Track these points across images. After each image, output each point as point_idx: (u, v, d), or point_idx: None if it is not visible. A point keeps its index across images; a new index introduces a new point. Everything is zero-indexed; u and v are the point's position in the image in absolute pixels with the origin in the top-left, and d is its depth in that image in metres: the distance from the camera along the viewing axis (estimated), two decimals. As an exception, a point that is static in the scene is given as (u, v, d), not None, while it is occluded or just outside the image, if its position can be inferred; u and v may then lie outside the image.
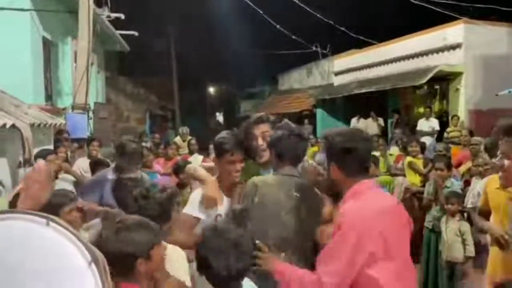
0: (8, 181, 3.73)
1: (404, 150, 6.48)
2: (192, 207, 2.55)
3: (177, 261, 2.00)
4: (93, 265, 1.16)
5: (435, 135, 10.17)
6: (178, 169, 5.02)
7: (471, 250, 4.17)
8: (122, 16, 10.05)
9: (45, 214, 1.22)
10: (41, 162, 1.58)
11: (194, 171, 2.71)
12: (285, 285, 1.86)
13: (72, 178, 4.43)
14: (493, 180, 3.43)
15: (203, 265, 1.64)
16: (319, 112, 15.54)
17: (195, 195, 2.60)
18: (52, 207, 2.32)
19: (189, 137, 9.09)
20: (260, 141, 2.57)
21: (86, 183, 3.78)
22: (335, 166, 1.92)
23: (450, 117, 10.55)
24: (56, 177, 4.12)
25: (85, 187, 3.66)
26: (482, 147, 5.63)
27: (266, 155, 2.54)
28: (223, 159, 2.51)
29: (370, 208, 1.84)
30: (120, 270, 1.59)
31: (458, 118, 9.97)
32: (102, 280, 1.15)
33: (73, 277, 1.15)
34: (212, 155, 7.40)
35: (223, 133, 2.59)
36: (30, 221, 1.18)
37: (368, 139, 1.98)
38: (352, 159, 1.89)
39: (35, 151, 4.10)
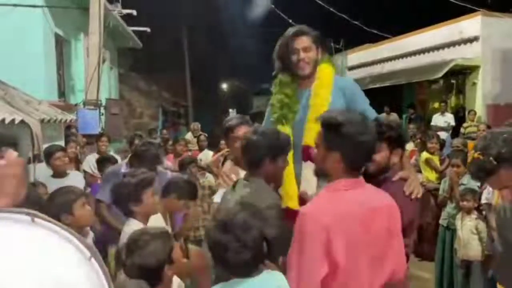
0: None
1: (423, 146, 6.33)
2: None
3: None
4: (93, 260, 1.10)
5: (450, 131, 9.99)
6: (182, 165, 5.06)
7: (489, 249, 4.06)
8: (134, 12, 10.07)
9: (26, 210, 1.11)
10: (11, 153, 1.35)
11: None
12: None
13: (81, 176, 4.43)
14: None
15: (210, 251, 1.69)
16: (333, 107, 15.40)
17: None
18: (62, 205, 2.33)
19: (200, 133, 9.07)
20: (302, 55, 2.42)
21: (103, 177, 3.96)
22: (338, 155, 1.72)
23: (466, 112, 10.34)
24: (65, 173, 4.12)
25: (103, 180, 3.89)
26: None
27: (307, 68, 2.43)
28: (229, 139, 2.57)
29: (332, 211, 1.68)
30: (150, 279, 1.84)
31: (475, 113, 9.76)
32: (105, 273, 1.10)
33: (74, 274, 1.08)
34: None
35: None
36: (13, 220, 1.08)
37: (374, 130, 1.79)
38: (360, 153, 1.73)
39: (45, 147, 4.10)
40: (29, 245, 1.07)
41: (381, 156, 2.09)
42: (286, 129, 2.41)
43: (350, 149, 1.71)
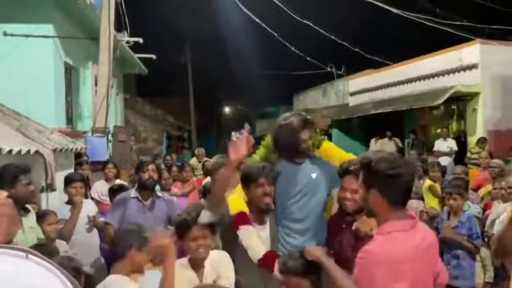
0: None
1: (425, 174, 6.40)
2: None
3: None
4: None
5: (453, 155, 10.05)
6: (205, 192, 5.19)
7: (490, 276, 4.11)
8: (141, 41, 10.29)
9: (22, 248, 1.33)
10: (1, 193, 1.61)
11: None
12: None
13: (93, 204, 4.46)
14: None
15: None
16: (335, 132, 15.53)
17: None
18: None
19: (205, 159, 9.15)
20: (309, 143, 2.88)
21: (114, 201, 4.05)
22: (377, 193, 1.83)
23: (468, 138, 10.44)
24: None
25: (113, 205, 3.98)
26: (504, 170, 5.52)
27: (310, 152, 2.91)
28: (250, 188, 2.72)
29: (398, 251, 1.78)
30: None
31: (485, 139, 9.33)
32: None
33: None
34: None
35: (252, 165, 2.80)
36: (11, 255, 1.29)
37: (411, 164, 1.95)
38: (396, 187, 1.82)
39: (57, 175, 4.22)
40: (20, 277, 1.29)
41: (361, 194, 2.05)
42: None
43: (385, 184, 1.81)
